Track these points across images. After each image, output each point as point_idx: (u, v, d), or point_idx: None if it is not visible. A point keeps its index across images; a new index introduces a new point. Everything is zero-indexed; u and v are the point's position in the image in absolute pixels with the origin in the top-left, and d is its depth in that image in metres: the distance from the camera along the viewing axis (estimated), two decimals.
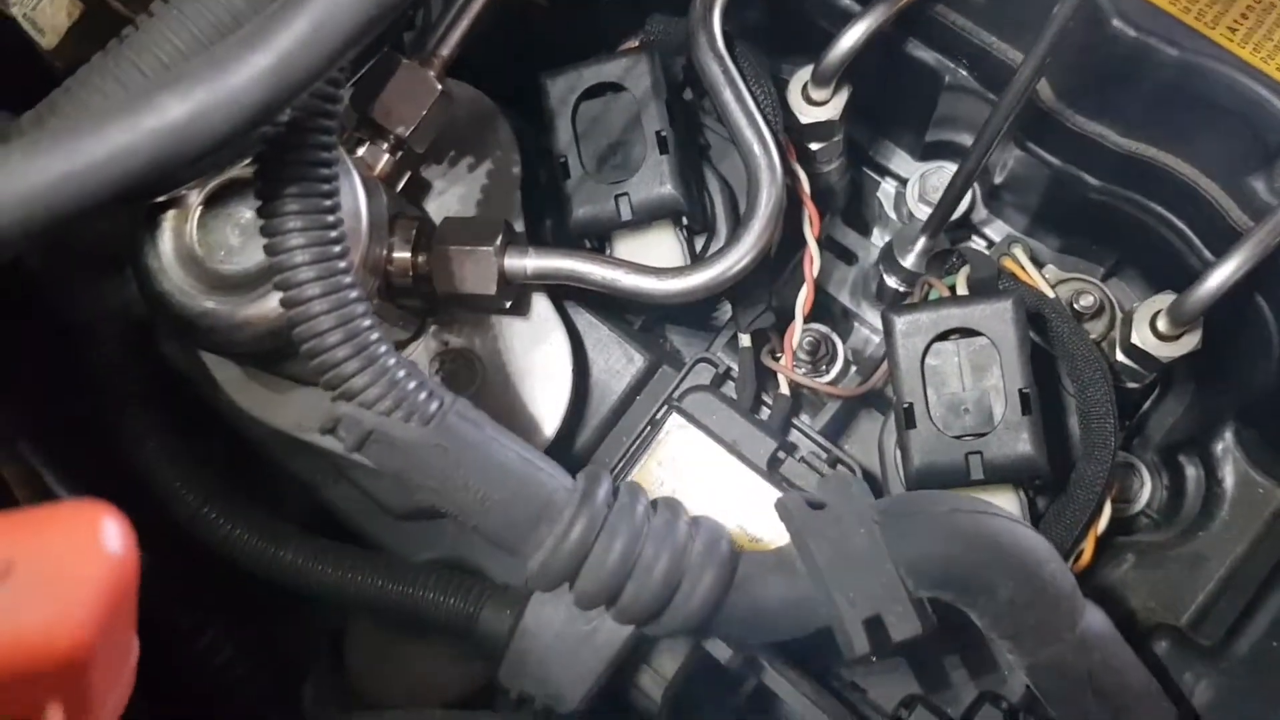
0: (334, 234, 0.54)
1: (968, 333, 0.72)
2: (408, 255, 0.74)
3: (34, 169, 0.44)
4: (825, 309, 0.96)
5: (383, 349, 0.55)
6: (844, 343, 0.89)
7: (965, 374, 0.72)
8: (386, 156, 0.76)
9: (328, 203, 0.54)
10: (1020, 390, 0.70)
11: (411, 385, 0.55)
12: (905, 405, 0.72)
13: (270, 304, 0.65)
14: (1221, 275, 0.70)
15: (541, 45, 0.94)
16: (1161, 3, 0.74)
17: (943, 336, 0.72)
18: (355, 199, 0.70)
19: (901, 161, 0.97)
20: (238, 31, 0.46)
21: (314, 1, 0.45)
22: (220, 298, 0.69)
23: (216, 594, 0.89)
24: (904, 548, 0.56)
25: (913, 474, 0.72)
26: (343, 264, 0.54)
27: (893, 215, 0.98)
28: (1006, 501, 0.74)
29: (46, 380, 0.85)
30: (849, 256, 0.97)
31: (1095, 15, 0.73)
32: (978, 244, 0.93)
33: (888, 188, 0.99)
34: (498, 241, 0.74)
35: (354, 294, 0.54)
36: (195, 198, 0.69)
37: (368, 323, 0.55)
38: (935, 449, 0.71)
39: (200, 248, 0.69)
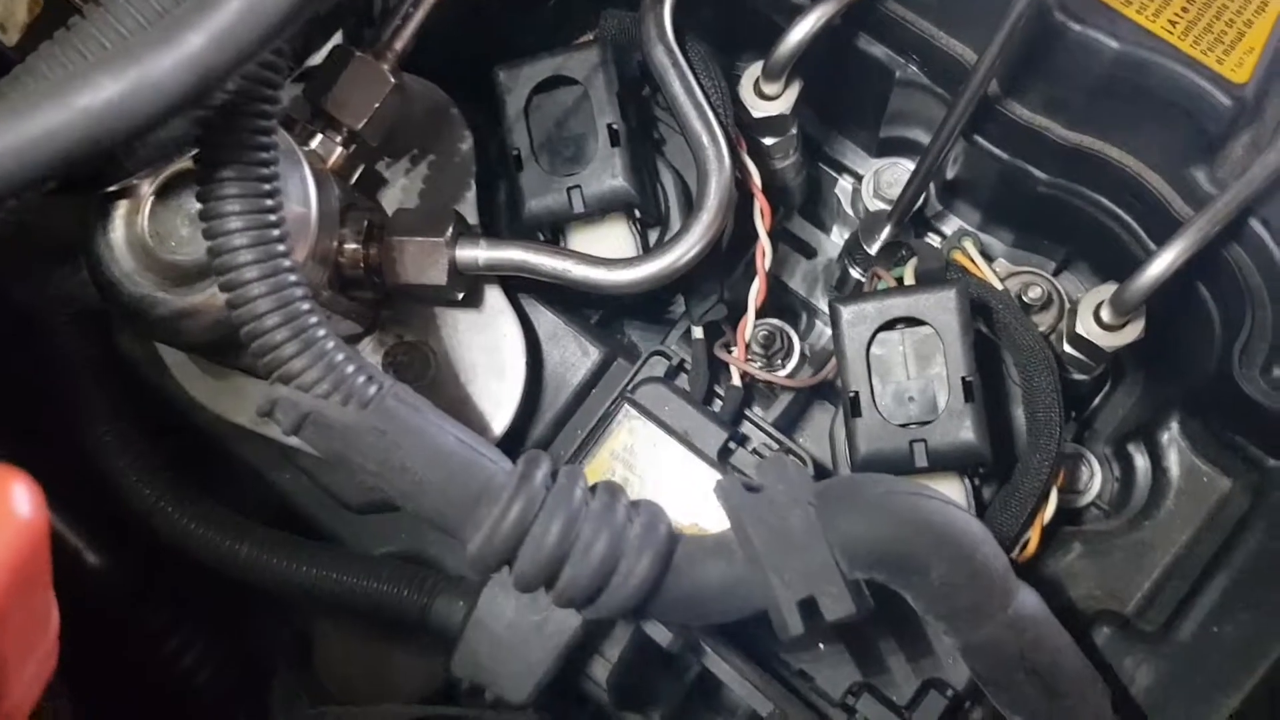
0: (272, 217, 0.54)
1: (913, 322, 0.73)
2: (359, 247, 0.75)
3: None
4: (784, 304, 0.97)
5: (321, 332, 0.55)
6: (801, 337, 0.90)
7: (910, 363, 0.73)
8: (340, 150, 0.76)
9: (266, 186, 0.54)
10: (963, 378, 0.71)
11: (350, 369, 0.55)
12: (851, 394, 0.73)
13: (218, 293, 0.65)
14: (1162, 264, 0.71)
15: (497, 38, 0.95)
16: None
17: (888, 326, 0.73)
18: (305, 190, 0.71)
19: (858, 158, 0.98)
20: (173, 12, 0.46)
21: None
22: (170, 287, 0.69)
23: (184, 593, 0.89)
24: (839, 529, 0.57)
25: (858, 462, 0.73)
26: (281, 247, 0.55)
27: (850, 211, 0.99)
28: (951, 489, 0.74)
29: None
30: (808, 250, 0.98)
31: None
32: (932, 239, 0.94)
33: (845, 184, 1.00)
34: (449, 232, 0.74)
35: (292, 277, 0.55)
36: (147, 188, 0.69)
37: (306, 306, 0.55)
38: (880, 437, 0.72)
39: (151, 237, 0.70)
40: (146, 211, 0.70)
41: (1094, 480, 0.86)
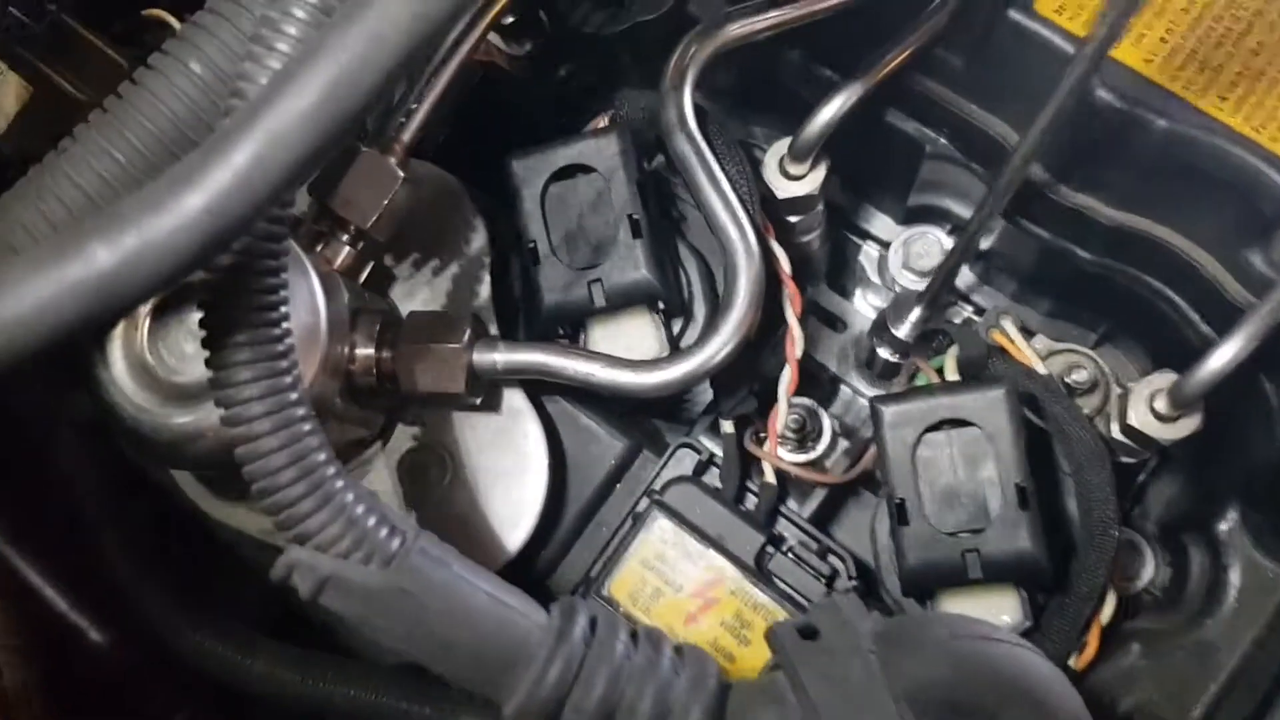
0: (288, 379, 0.50)
1: (960, 422, 0.69)
2: (371, 352, 0.71)
3: None
4: (810, 376, 0.93)
5: (339, 484, 0.51)
6: (829, 412, 0.86)
7: (959, 466, 0.69)
8: (347, 249, 0.73)
9: (280, 347, 0.50)
10: (1017, 485, 0.67)
11: (371, 522, 0.51)
12: (897, 501, 0.69)
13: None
14: (1223, 357, 0.67)
15: (508, 122, 0.91)
16: (1149, 72, 0.71)
17: (934, 427, 0.69)
18: (313, 300, 0.67)
19: (883, 225, 0.95)
20: (172, 166, 0.42)
21: (255, 130, 0.42)
22: (173, 406, 0.65)
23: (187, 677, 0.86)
24: (902, 678, 0.53)
25: (907, 573, 0.69)
26: (294, 396, 0.51)
27: (876, 279, 0.95)
28: (1007, 600, 0.71)
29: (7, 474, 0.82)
30: (834, 322, 0.94)
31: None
32: (963, 311, 0.91)
33: (870, 251, 0.96)
34: (464, 338, 0.70)
35: (306, 427, 0.51)
36: (145, 308, 0.65)
37: (322, 457, 0.51)
38: (930, 546, 0.68)
39: (151, 356, 0.66)
40: (145, 329, 0.66)
41: (1145, 567, 0.83)
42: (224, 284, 0.48)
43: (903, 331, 0.80)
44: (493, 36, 0.90)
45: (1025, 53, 0.73)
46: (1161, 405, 0.73)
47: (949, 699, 0.53)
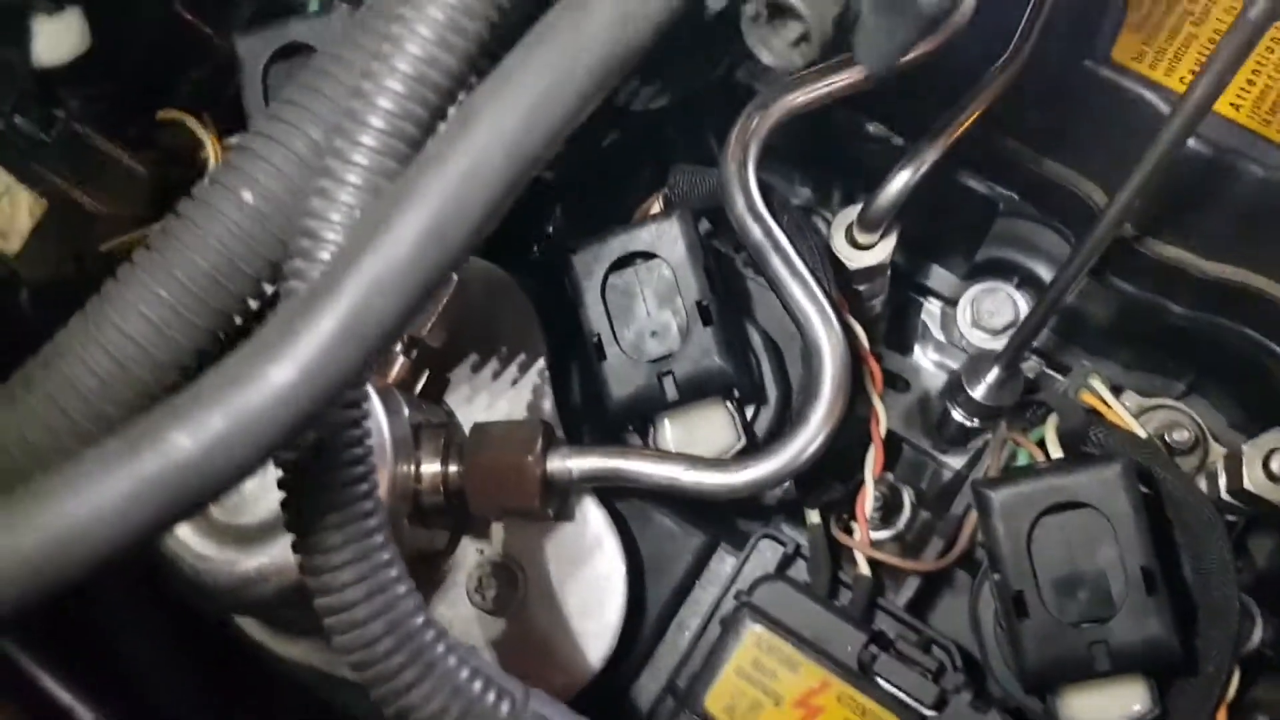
0: (380, 548, 0.46)
1: (1074, 504, 0.65)
2: (438, 469, 0.67)
3: (23, 537, 0.36)
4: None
5: (440, 649, 0.47)
6: (904, 482, 0.81)
7: (1076, 550, 0.64)
8: (401, 360, 0.69)
9: (372, 521, 0.46)
10: (1143, 568, 0.63)
11: (477, 688, 0.47)
12: (1014, 593, 0.64)
13: (288, 552, 0.57)
14: None
15: (549, 201, 0.87)
16: (1239, 117, 0.67)
17: (1046, 510, 0.65)
18: (377, 423, 0.63)
19: (943, 279, 0.91)
20: (252, 337, 0.38)
21: (347, 288, 0.38)
22: (238, 552, 0.61)
23: None
24: None
25: (1030, 669, 0.64)
26: (386, 557, 0.46)
27: (940, 336, 0.91)
28: (1135, 689, 0.66)
29: None
30: (899, 383, 0.90)
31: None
32: (1038, 366, 0.86)
33: (931, 307, 0.92)
34: (537, 448, 0.66)
35: (402, 590, 0.47)
36: None
37: (419, 620, 0.47)
38: (1053, 640, 0.64)
39: None
40: None
41: (1256, 626, 0.78)
42: (309, 453, 0.44)
43: (979, 393, 0.76)
44: None
45: (1104, 104, 0.69)
46: (1278, 467, 0.68)
47: None
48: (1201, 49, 0.69)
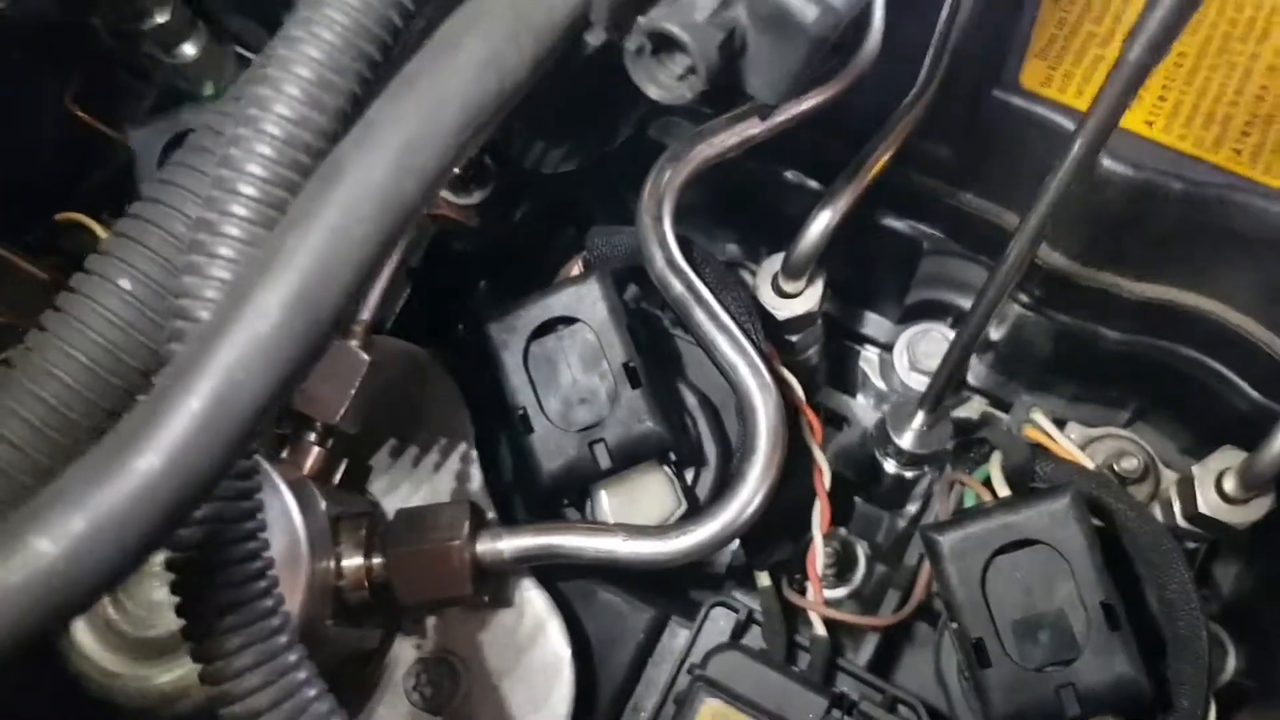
0: (283, 640, 0.43)
1: (1025, 541, 0.62)
2: (360, 562, 0.63)
3: None
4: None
5: None
6: (858, 536, 0.79)
7: (1034, 591, 0.62)
8: (316, 450, 0.65)
9: (268, 602, 0.43)
10: (1103, 603, 0.60)
11: None
12: (973, 641, 0.61)
13: None
14: None
15: (467, 274, 0.85)
16: (1154, 134, 0.66)
17: (999, 551, 0.62)
18: (287, 516, 0.59)
19: (878, 326, 0.89)
20: (114, 429, 0.35)
21: (212, 365, 0.35)
22: (151, 667, 0.57)
23: None
24: None
25: None
26: (292, 659, 0.43)
27: (880, 384, 0.89)
28: None
29: None
30: (838, 422, 0.87)
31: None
32: (976, 404, 0.84)
33: (870, 355, 0.90)
34: (463, 532, 0.63)
35: (312, 693, 0.43)
36: None
37: (324, 707, 0.43)
38: (1019, 688, 0.61)
39: (116, 611, 0.57)
40: None
41: (1228, 656, 0.76)
42: (193, 541, 0.40)
43: (907, 441, 0.74)
44: (442, 190, 0.85)
45: (1016, 132, 0.68)
46: (1231, 487, 0.66)
47: None
48: (1108, 67, 0.68)
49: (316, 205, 0.36)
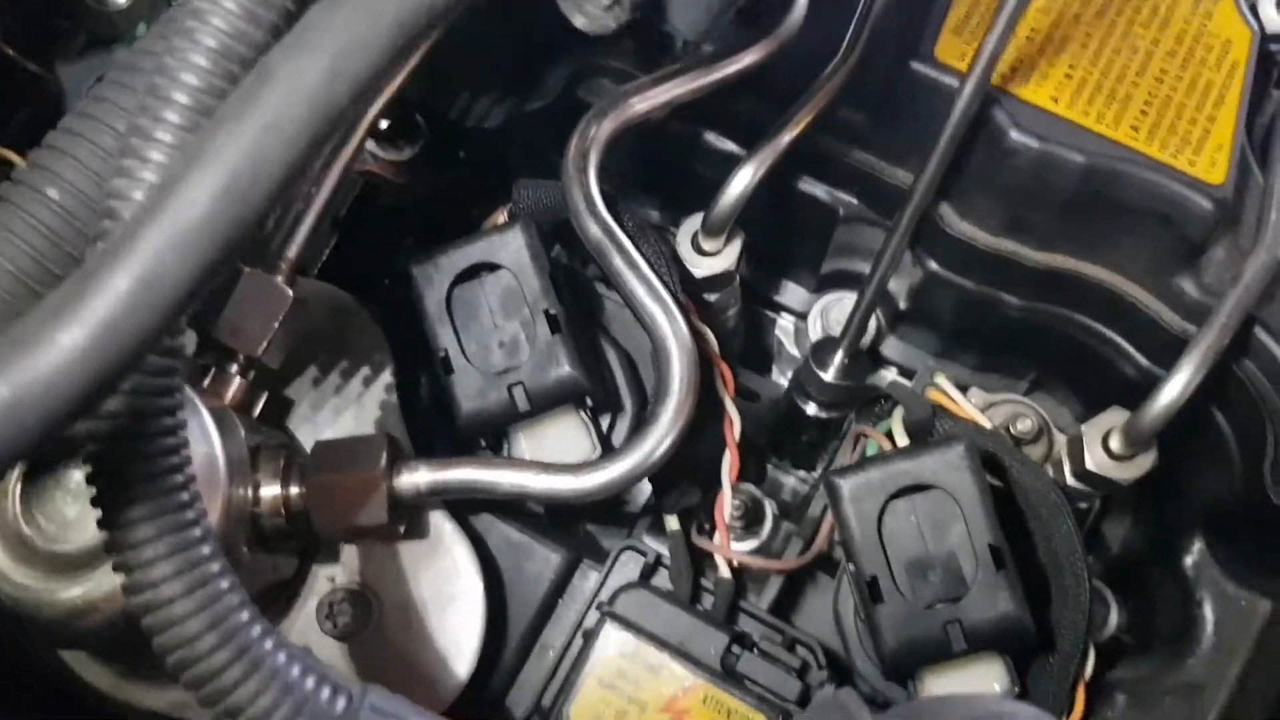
0: (198, 532, 0.44)
1: (921, 486, 0.65)
2: (277, 491, 0.64)
3: None
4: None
5: (268, 645, 0.45)
6: (767, 494, 0.82)
7: (926, 533, 0.65)
8: (238, 380, 0.66)
9: (185, 495, 0.44)
10: (990, 545, 0.64)
11: (309, 684, 0.45)
12: (868, 578, 0.64)
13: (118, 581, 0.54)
14: (1175, 389, 0.65)
15: (400, 229, 0.86)
16: (1059, 109, 0.70)
17: (895, 495, 0.65)
18: (207, 440, 0.60)
19: (795, 295, 0.92)
20: (40, 304, 0.36)
21: (141, 246, 0.36)
22: (60, 581, 0.57)
23: None
24: None
25: (888, 654, 0.64)
26: (206, 551, 0.44)
27: (795, 352, 0.92)
28: (992, 669, 0.66)
29: None
30: (752, 398, 0.90)
31: (992, 131, 0.69)
32: (888, 374, 0.88)
33: (785, 324, 0.93)
34: (382, 462, 0.64)
35: (225, 584, 0.44)
36: (14, 469, 0.58)
37: (245, 616, 0.45)
38: (908, 623, 0.64)
39: (28, 526, 0.58)
40: (16, 495, 0.58)
41: (1111, 612, 0.79)
42: (113, 432, 0.42)
43: (831, 374, 0.76)
44: (371, 145, 0.86)
45: (931, 103, 0.71)
46: (1116, 445, 0.70)
47: None
48: (1020, 47, 0.72)
49: (249, 103, 0.38)
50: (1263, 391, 0.68)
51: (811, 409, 0.80)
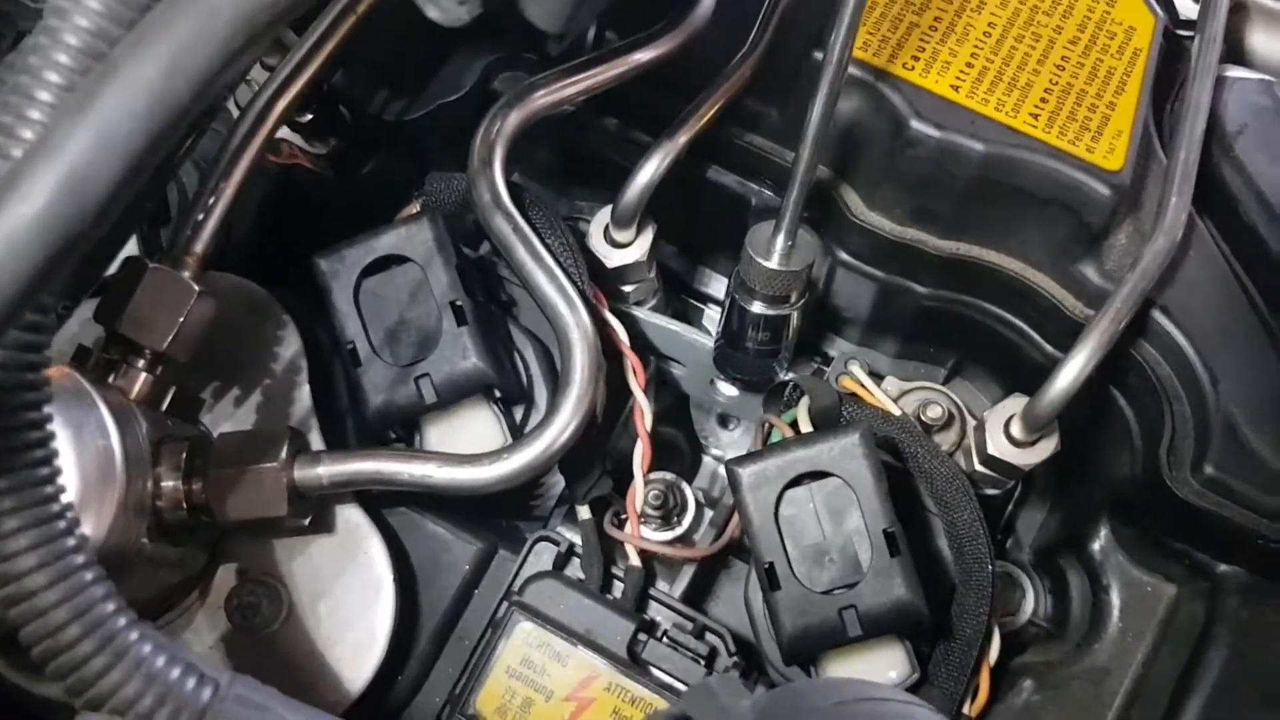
0: (62, 524, 0.44)
1: (819, 474, 0.66)
2: (178, 485, 0.64)
3: None
4: (672, 448, 0.90)
5: (133, 636, 0.45)
6: (692, 484, 0.82)
7: (824, 520, 0.66)
8: (144, 376, 0.66)
9: (49, 489, 0.44)
10: (885, 531, 0.64)
11: (174, 674, 0.45)
12: (765, 565, 0.65)
13: None
14: (1070, 373, 0.66)
15: (323, 224, 0.86)
16: (960, 98, 0.71)
17: (794, 482, 0.66)
18: (104, 433, 0.60)
19: (721, 286, 0.93)
20: None
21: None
22: None
23: None
24: None
25: (785, 641, 0.65)
26: (71, 543, 0.44)
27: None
28: (891, 653, 0.67)
29: None
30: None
31: (894, 120, 0.70)
32: (811, 364, 0.88)
33: (712, 314, 0.94)
34: (282, 454, 0.64)
35: (89, 576, 0.45)
36: None
37: (110, 607, 0.45)
38: (805, 609, 0.64)
39: None
40: None
41: (1026, 599, 0.80)
42: None
43: (774, 261, 0.71)
44: (294, 137, 0.86)
45: None
46: (1017, 430, 0.71)
47: None
48: (923, 36, 0.73)
49: (89, 99, 0.38)
50: (1161, 375, 0.69)
51: (757, 306, 0.75)
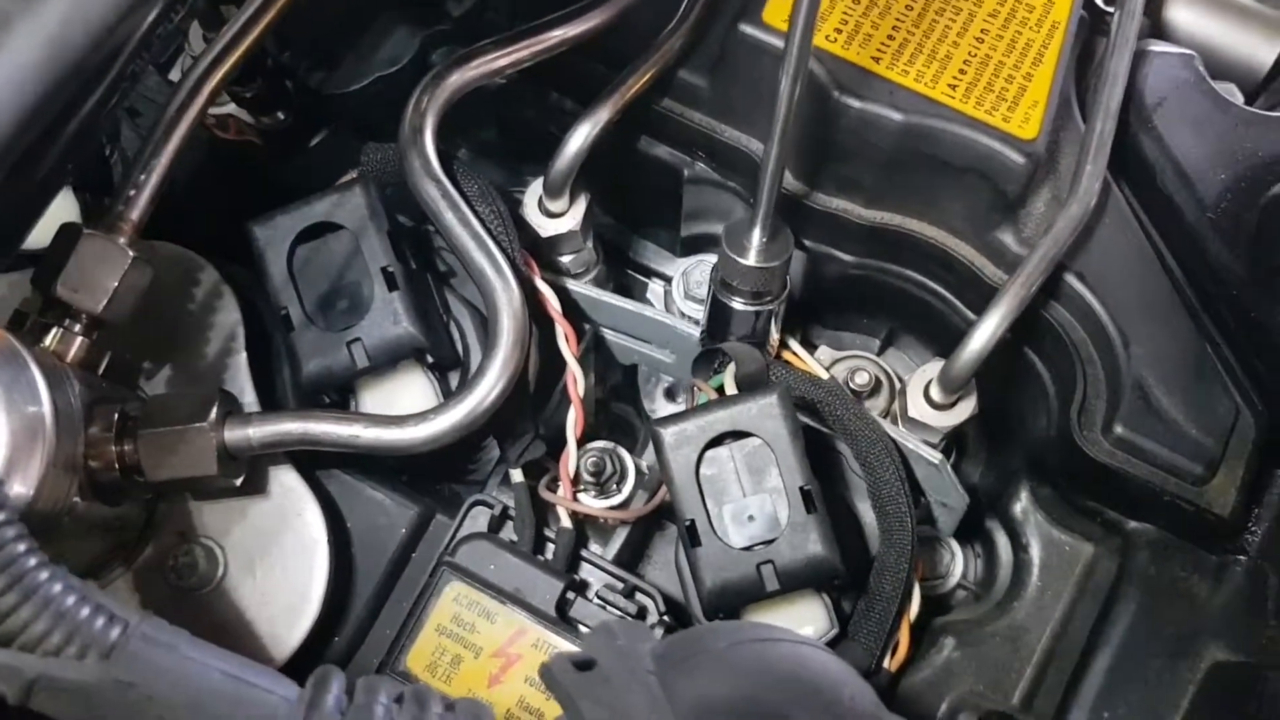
0: None
1: (740, 435, 0.67)
2: (109, 445, 0.65)
3: None
4: (622, 421, 0.91)
5: (43, 575, 0.46)
6: (637, 454, 0.83)
7: (744, 479, 0.67)
8: (80, 339, 0.67)
9: None
10: (801, 488, 0.66)
11: (83, 613, 0.46)
12: (687, 522, 0.67)
13: None
14: (982, 337, 0.68)
15: (271, 196, 0.88)
16: (880, 69, 0.72)
17: (715, 442, 0.67)
18: (34, 392, 0.61)
19: (664, 260, 0.94)
20: None
21: None
22: None
23: None
24: (686, 696, 0.50)
25: (706, 596, 0.67)
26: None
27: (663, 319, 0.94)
28: (811, 608, 0.69)
29: None
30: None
31: (817, 91, 0.71)
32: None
33: (656, 288, 0.95)
34: (212, 415, 0.66)
35: (4, 524, 0.46)
36: None
37: (21, 547, 0.46)
38: (725, 565, 0.66)
39: None
40: None
41: (955, 562, 0.82)
42: None
43: (751, 258, 0.71)
44: (241, 113, 0.87)
45: (759, 63, 0.73)
46: (936, 394, 0.73)
47: (735, 709, 0.50)
48: (846, 10, 0.74)
49: None
50: (1074, 338, 0.70)
51: (738, 303, 0.74)
